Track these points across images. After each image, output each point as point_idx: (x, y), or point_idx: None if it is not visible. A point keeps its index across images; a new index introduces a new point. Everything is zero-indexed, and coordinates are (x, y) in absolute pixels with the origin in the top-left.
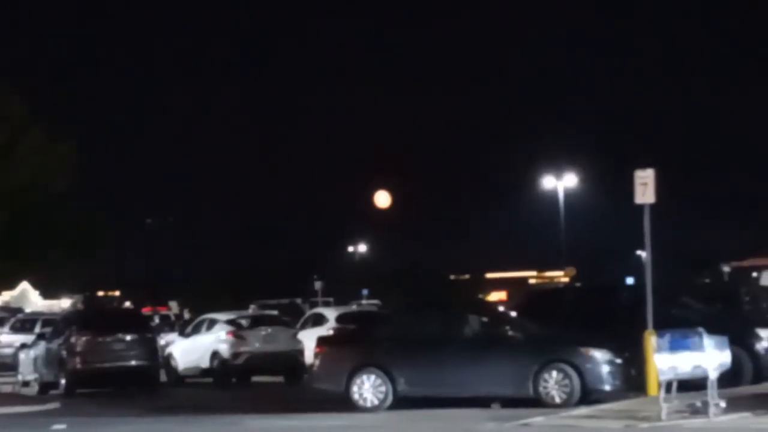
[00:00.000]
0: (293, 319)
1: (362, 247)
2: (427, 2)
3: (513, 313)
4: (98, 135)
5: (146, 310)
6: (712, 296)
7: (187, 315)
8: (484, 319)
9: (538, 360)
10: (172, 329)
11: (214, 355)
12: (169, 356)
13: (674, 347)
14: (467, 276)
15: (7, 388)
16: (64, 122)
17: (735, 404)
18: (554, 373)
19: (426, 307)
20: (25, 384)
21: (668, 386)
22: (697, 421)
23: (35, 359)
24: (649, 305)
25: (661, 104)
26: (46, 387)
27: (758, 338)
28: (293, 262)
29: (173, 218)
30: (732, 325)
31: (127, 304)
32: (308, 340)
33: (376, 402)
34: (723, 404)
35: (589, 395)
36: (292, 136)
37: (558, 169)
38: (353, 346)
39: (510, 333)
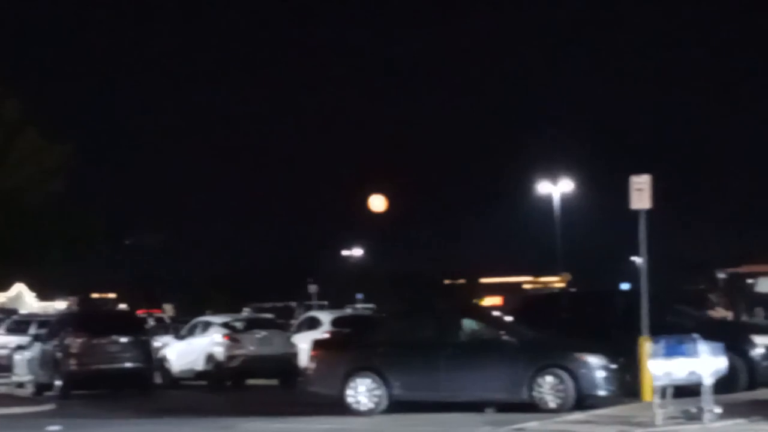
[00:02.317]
0: (288, 322)
1: (357, 251)
2: (425, 7)
3: (508, 318)
4: (96, 136)
5: (141, 313)
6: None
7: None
8: (479, 323)
9: (532, 365)
10: (166, 331)
11: (209, 357)
12: (164, 358)
13: (669, 353)
14: (462, 281)
15: (2, 390)
16: (60, 124)
17: (730, 411)
18: (549, 378)
19: (421, 312)
20: (20, 385)
21: (663, 392)
22: (692, 427)
23: (30, 361)
24: (644, 311)
25: (657, 110)
26: (41, 388)
27: (753, 345)
28: (288, 265)
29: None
30: (727, 332)
31: (122, 306)
32: (303, 343)
33: (371, 406)
34: (718, 410)
35: (583, 400)
36: (288, 139)
37: (553, 175)
38: (348, 350)
39: (505, 338)
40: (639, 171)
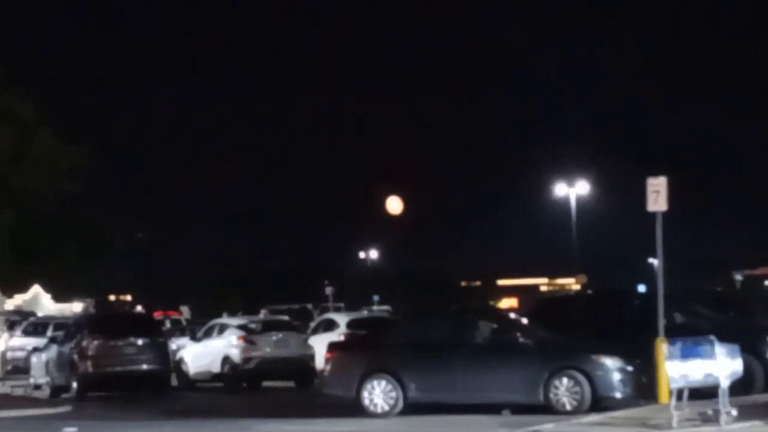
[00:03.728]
0: (304, 324)
1: (373, 253)
2: (439, 12)
3: (524, 320)
4: (111, 138)
5: (157, 315)
6: (724, 304)
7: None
8: (495, 325)
9: (548, 367)
10: (183, 333)
11: (225, 359)
12: (180, 360)
13: (685, 355)
14: (478, 282)
15: (19, 391)
16: (75, 126)
17: (746, 412)
18: (565, 380)
19: (437, 314)
20: (37, 387)
21: (679, 394)
22: (708, 429)
23: (47, 363)
24: (660, 313)
25: (674, 112)
26: (57, 390)
27: None
28: (305, 267)
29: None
30: (744, 333)
31: (139, 308)
32: (319, 345)
33: (386, 408)
34: (734, 412)
35: (599, 402)
36: (305, 142)
37: (570, 177)
38: (364, 352)
39: (521, 340)
40: (655, 173)
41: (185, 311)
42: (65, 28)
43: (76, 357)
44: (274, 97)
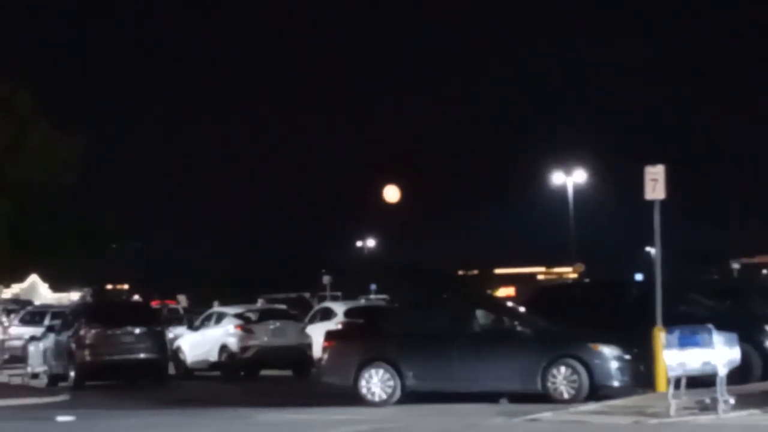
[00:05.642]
0: (301, 313)
1: (371, 242)
2: (442, 2)
3: (522, 309)
4: (110, 128)
5: (155, 304)
6: (722, 293)
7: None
8: (493, 314)
9: (546, 355)
10: (180, 322)
11: (223, 348)
12: (178, 349)
13: (683, 343)
14: (476, 271)
15: (17, 380)
16: (74, 115)
17: (744, 401)
18: (563, 369)
19: (434, 302)
20: (35, 376)
21: (677, 382)
22: (706, 418)
23: (44, 351)
24: (658, 301)
25: (672, 101)
26: (55, 379)
27: (767, 335)
28: (302, 256)
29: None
30: (741, 322)
31: (136, 297)
32: (316, 334)
33: (384, 396)
34: (732, 401)
35: (597, 391)
36: (302, 131)
37: (567, 165)
38: (362, 341)
39: (519, 328)
40: (653, 161)
41: (182, 300)
42: (64, 19)
43: (73, 346)
44: (272, 89)
